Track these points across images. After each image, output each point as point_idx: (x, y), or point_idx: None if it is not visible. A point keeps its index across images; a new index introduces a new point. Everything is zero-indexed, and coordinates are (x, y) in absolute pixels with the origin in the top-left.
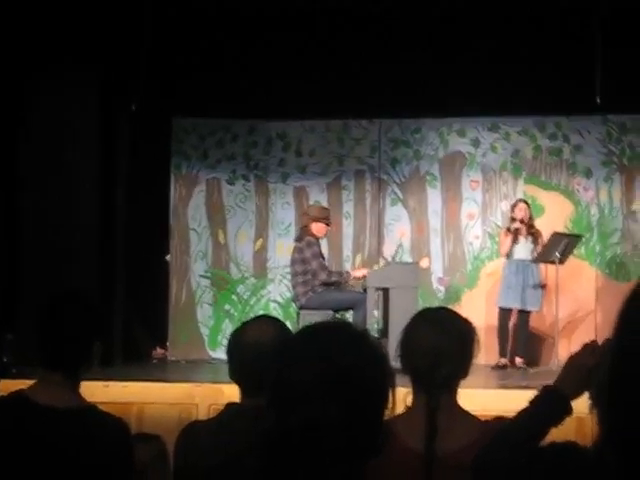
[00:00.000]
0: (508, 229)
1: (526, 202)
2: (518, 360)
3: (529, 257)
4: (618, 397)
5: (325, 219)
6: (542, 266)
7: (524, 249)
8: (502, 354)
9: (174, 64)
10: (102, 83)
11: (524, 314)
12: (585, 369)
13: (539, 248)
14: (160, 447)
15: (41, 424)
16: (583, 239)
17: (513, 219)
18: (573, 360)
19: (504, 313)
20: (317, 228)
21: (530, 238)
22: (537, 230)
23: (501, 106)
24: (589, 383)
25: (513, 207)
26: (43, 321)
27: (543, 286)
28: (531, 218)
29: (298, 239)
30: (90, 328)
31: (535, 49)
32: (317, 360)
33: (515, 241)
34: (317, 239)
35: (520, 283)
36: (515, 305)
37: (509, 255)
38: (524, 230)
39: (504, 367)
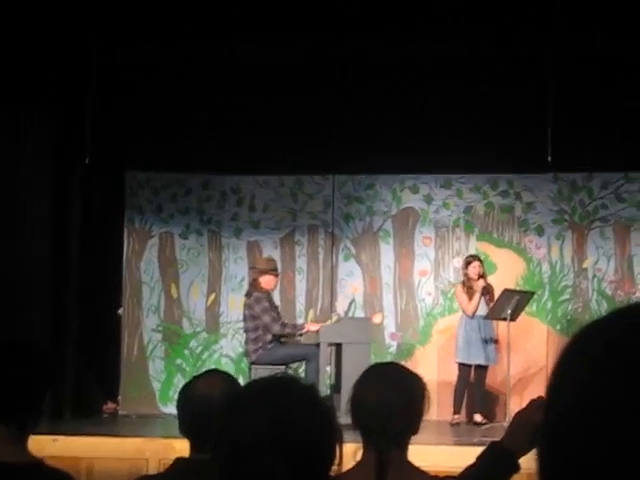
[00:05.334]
0: (468, 287)
1: (479, 258)
2: (478, 417)
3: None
4: (548, 455)
5: (272, 270)
6: (494, 321)
7: (481, 305)
8: (457, 411)
9: (128, 118)
10: (55, 136)
11: (482, 370)
12: (532, 425)
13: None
14: None
15: None
16: (535, 296)
17: (467, 276)
18: (520, 417)
19: (466, 369)
20: (265, 281)
21: (486, 295)
22: (489, 285)
23: (453, 163)
24: (536, 439)
25: (467, 264)
26: None
27: (497, 341)
28: (485, 274)
29: (247, 295)
30: (39, 379)
31: (487, 108)
32: (263, 416)
33: (484, 298)
34: (267, 292)
35: (482, 339)
36: (479, 361)
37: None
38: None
39: (458, 424)
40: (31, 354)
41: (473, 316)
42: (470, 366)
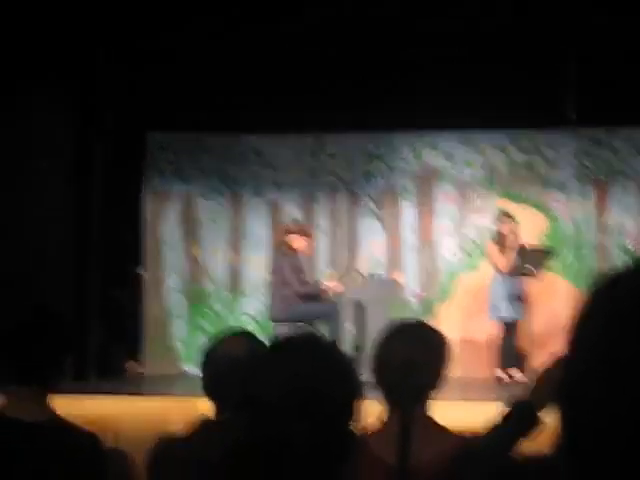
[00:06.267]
0: (501, 244)
1: (511, 215)
2: (501, 373)
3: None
4: (568, 407)
5: (304, 233)
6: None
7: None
8: (507, 366)
9: (148, 80)
10: (76, 98)
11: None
12: (555, 382)
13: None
14: (127, 463)
15: (12, 438)
16: (555, 253)
17: (501, 233)
18: (544, 373)
19: (511, 325)
20: (297, 243)
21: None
22: (523, 243)
23: (475, 120)
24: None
25: (500, 222)
26: (10, 334)
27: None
28: (517, 231)
29: (278, 250)
30: (58, 340)
31: (509, 63)
32: (285, 375)
33: (518, 254)
34: (296, 253)
35: (517, 294)
36: (517, 317)
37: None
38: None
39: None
40: (48, 316)
41: (507, 271)
42: (513, 322)
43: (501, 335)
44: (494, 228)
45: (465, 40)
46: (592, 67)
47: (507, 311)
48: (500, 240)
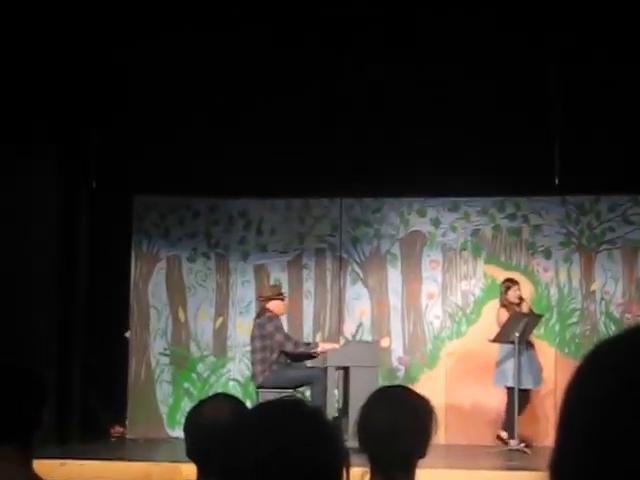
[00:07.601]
0: (510, 310)
1: (517, 282)
2: (504, 434)
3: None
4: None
5: (278, 295)
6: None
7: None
8: (513, 435)
9: (136, 141)
10: (61, 161)
11: (524, 393)
12: None
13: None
14: None
15: None
16: (543, 319)
17: (508, 301)
18: None
19: (513, 393)
20: (273, 306)
21: None
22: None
23: (461, 186)
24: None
25: (507, 289)
26: None
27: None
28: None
29: (258, 315)
30: (30, 395)
31: (495, 130)
32: (266, 440)
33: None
34: (278, 316)
35: (531, 362)
36: (529, 385)
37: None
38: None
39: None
40: (17, 373)
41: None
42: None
43: (512, 402)
44: (499, 294)
45: (452, 109)
46: (577, 135)
47: (525, 380)
48: (509, 307)
